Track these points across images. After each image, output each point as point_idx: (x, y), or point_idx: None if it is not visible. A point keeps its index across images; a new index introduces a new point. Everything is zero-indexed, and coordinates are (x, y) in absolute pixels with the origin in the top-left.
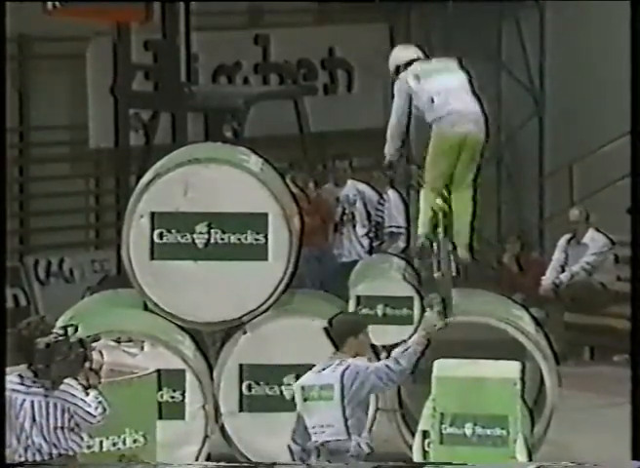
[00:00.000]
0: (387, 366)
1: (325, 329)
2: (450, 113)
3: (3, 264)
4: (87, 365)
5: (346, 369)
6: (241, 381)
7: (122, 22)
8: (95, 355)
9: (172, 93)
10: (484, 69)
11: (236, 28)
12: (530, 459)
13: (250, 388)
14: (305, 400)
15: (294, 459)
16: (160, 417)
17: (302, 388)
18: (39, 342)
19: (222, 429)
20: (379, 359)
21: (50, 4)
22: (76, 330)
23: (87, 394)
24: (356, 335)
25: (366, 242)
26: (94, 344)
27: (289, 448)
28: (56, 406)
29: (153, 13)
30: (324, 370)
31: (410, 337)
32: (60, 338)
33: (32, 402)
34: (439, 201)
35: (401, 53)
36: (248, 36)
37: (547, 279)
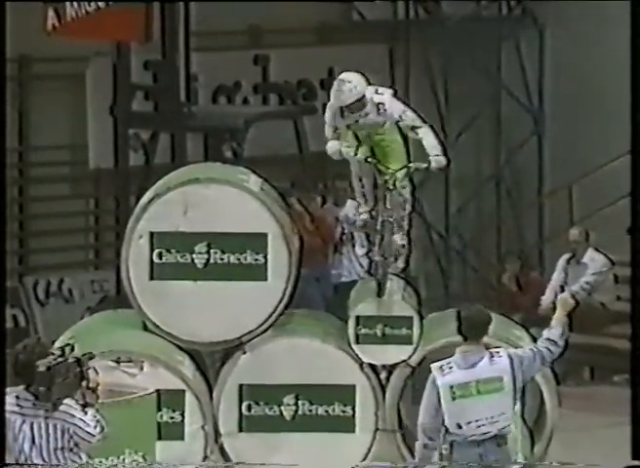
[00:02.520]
0: (548, 349)
1: (459, 325)
2: None
3: (3, 283)
4: (84, 383)
5: (512, 359)
6: (241, 401)
7: (122, 42)
8: (91, 373)
9: (171, 113)
10: (483, 89)
11: (236, 48)
12: None
13: (249, 408)
14: (455, 398)
15: (427, 457)
16: (159, 438)
17: (451, 387)
18: (39, 365)
19: (222, 449)
20: None
21: (50, 24)
22: (72, 349)
23: (85, 413)
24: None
25: (365, 262)
26: (89, 362)
27: (424, 446)
28: (55, 427)
29: (153, 33)
30: (474, 365)
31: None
32: (60, 360)
33: (32, 424)
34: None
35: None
36: (247, 56)
37: (547, 298)
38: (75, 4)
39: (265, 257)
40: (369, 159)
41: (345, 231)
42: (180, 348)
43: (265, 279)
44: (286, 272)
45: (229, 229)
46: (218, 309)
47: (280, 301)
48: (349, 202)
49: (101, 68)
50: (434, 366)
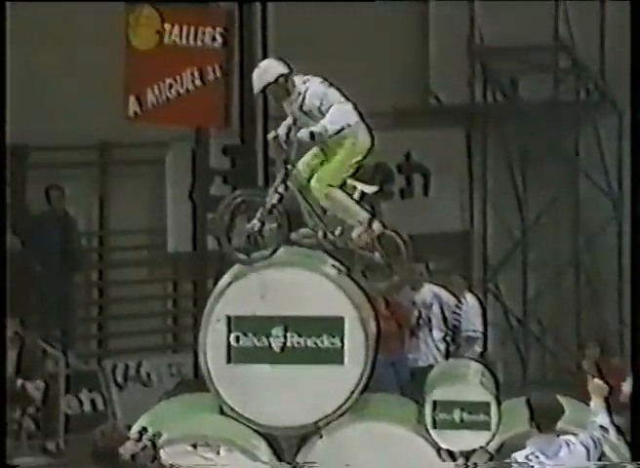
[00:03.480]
0: (604, 436)
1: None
2: None
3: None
4: (155, 463)
5: (588, 449)
6: None
7: (201, 128)
8: (163, 455)
9: None
10: (562, 174)
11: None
12: None
13: None
14: None
15: None
16: None
17: None
18: (123, 453)
19: None
20: None
21: (131, 110)
22: (145, 430)
23: None
24: None
25: (442, 346)
26: (164, 445)
27: None
28: None
29: (232, 119)
30: (557, 455)
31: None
32: (142, 445)
33: None
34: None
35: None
36: None
37: (628, 385)
38: (156, 91)
39: (342, 341)
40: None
41: (422, 315)
42: (257, 432)
43: (342, 363)
44: (363, 356)
45: (306, 313)
46: (294, 393)
47: (357, 385)
48: (426, 285)
49: (181, 153)
50: (519, 455)
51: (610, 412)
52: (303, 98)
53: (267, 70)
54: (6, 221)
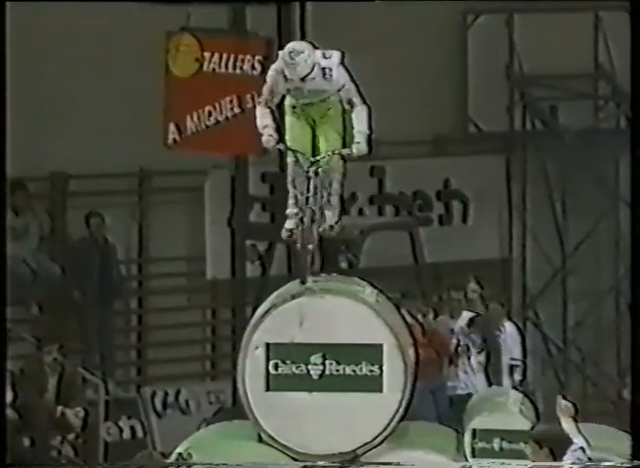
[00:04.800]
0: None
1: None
2: None
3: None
4: None
5: None
6: None
7: (240, 155)
8: None
9: None
10: (601, 201)
11: (352, 160)
12: None
13: None
14: None
15: None
16: None
17: None
18: None
19: None
20: None
21: (171, 138)
22: (182, 457)
23: None
24: None
25: (481, 374)
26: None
27: None
28: None
29: None
30: None
31: None
32: None
33: None
34: None
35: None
36: (363, 168)
37: None
38: (195, 118)
39: (381, 369)
40: (291, 148)
41: (461, 343)
42: (296, 460)
43: (381, 390)
44: (401, 384)
45: (345, 340)
46: (333, 421)
47: (395, 413)
48: (464, 313)
49: (220, 181)
50: None
51: (580, 432)
52: (330, 75)
53: (310, 55)
54: (5, 222)
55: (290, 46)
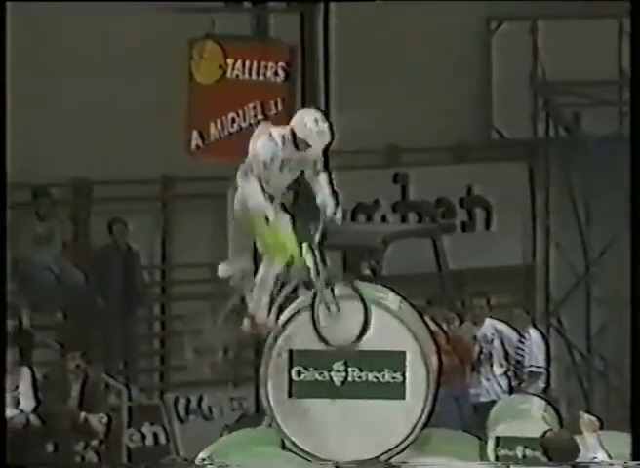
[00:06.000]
0: None
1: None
2: None
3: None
4: None
5: None
6: None
7: None
8: None
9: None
10: (625, 209)
11: (375, 167)
12: None
13: None
14: None
15: None
16: None
17: None
18: None
19: None
20: None
21: (194, 144)
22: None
23: None
24: None
25: (504, 381)
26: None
27: None
28: None
29: None
30: None
31: None
32: None
33: None
34: None
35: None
36: (387, 175)
37: None
38: (219, 125)
39: (404, 376)
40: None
41: (484, 351)
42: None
43: (403, 397)
44: (424, 391)
45: (367, 347)
46: (355, 428)
47: (418, 420)
48: (487, 320)
49: None
50: None
51: (603, 447)
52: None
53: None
54: (5, 222)
55: (310, 114)
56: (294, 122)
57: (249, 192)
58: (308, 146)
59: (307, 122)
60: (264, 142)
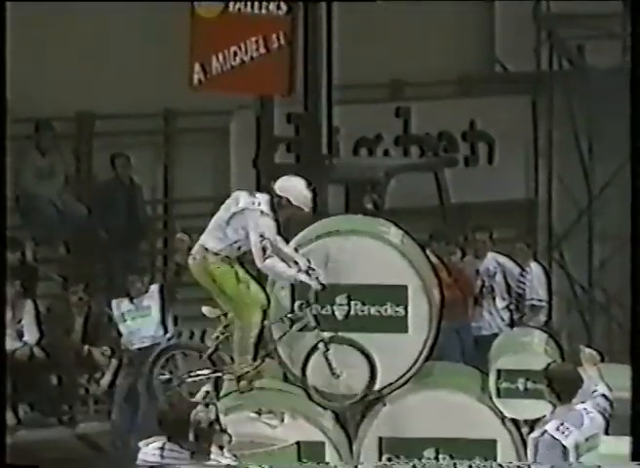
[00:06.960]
0: (611, 406)
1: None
2: None
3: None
4: (217, 427)
5: (607, 421)
6: (380, 454)
7: (265, 96)
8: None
9: (313, 165)
10: (629, 142)
11: (377, 101)
12: None
13: (389, 461)
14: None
15: None
16: None
17: (577, 448)
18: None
19: None
20: None
21: (196, 78)
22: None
23: (224, 456)
24: None
25: (506, 315)
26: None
27: None
28: None
29: (296, 86)
30: (582, 424)
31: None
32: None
33: None
34: None
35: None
36: (389, 109)
37: None
38: (221, 58)
39: (406, 309)
40: None
41: (486, 284)
42: (320, 401)
43: (406, 331)
44: (426, 324)
45: (370, 281)
46: (357, 361)
47: (420, 353)
48: (490, 254)
49: (245, 121)
50: (550, 428)
51: (603, 379)
52: None
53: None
54: (5, 196)
55: (300, 182)
56: (286, 192)
57: (279, 272)
58: (300, 210)
59: (303, 190)
60: (268, 222)
